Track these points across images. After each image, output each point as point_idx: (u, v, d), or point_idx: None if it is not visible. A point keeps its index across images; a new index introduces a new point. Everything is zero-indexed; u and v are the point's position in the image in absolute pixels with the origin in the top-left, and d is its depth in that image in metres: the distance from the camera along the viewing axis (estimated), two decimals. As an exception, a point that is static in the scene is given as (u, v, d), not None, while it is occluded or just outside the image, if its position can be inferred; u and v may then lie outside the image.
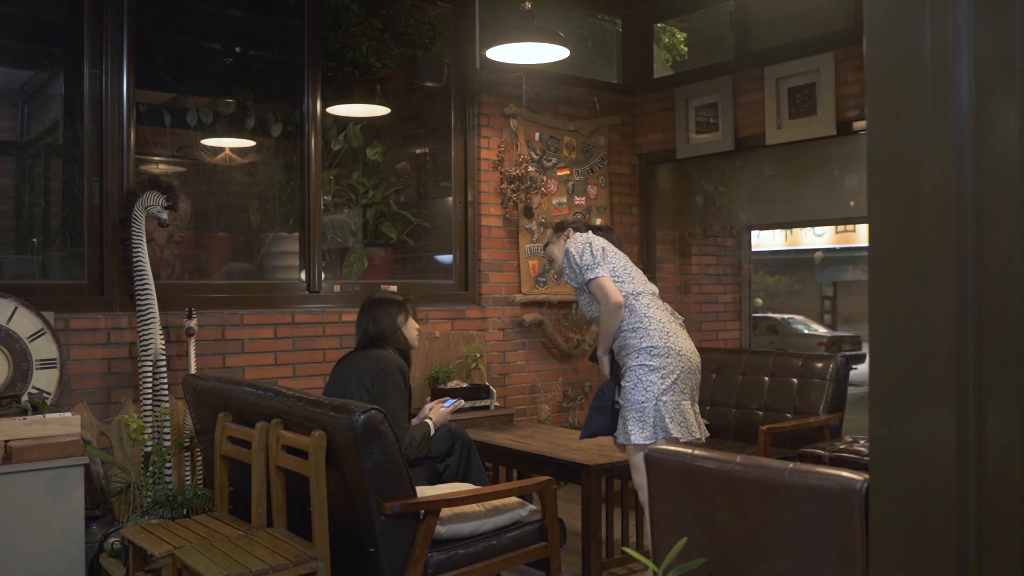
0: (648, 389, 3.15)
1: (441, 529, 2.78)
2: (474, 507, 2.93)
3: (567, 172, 5.56)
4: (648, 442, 3.07)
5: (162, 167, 4.65)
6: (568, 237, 3.53)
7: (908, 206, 1.15)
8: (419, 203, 5.61)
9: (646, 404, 3.13)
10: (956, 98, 1.09)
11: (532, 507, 3.10)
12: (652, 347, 3.19)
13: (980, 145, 1.08)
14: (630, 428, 3.15)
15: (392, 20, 5.57)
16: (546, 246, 3.69)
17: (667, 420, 3.13)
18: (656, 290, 3.44)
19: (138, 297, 3.78)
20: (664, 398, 3.15)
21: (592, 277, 3.26)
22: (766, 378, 4.84)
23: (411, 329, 3.54)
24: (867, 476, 1.64)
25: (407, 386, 3.32)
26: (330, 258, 5.09)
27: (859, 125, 4.69)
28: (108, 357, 3.87)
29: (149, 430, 3.69)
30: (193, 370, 3.94)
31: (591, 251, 3.32)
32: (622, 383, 3.24)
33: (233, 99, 4.79)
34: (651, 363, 3.17)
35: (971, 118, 1.09)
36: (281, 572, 2.55)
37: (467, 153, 5.21)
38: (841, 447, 4.05)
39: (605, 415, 3.34)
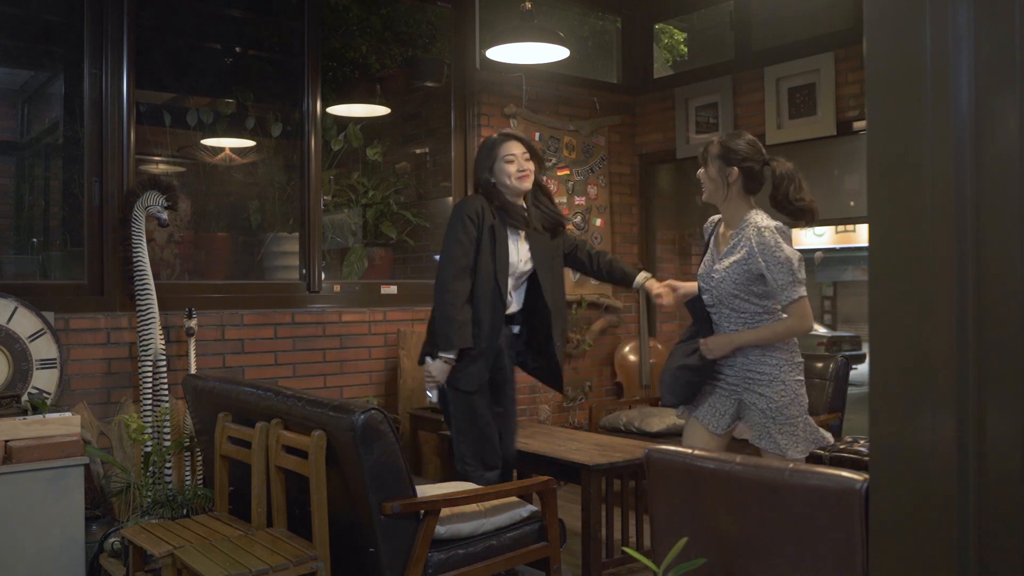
0: (802, 404, 2.96)
1: (441, 529, 2.78)
2: (474, 507, 2.93)
3: (567, 172, 5.56)
4: (803, 456, 2.97)
5: (162, 167, 4.66)
6: (736, 177, 2.93)
7: (908, 206, 1.15)
8: (419, 203, 5.61)
9: (798, 419, 2.94)
10: (956, 98, 1.09)
11: (532, 507, 3.10)
12: (801, 363, 3.02)
13: (980, 145, 1.08)
14: (783, 442, 2.96)
15: (392, 20, 5.57)
16: (706, 160, 3.00)
17: (819, 432, 3.03)
18: None
19: (138, 297, 3.78)
20: (807, 413, 3.04)
21: (801, 296, 2.85)
22: (766, 378, 4.83)
23: (506, 164, 3.39)
24: (867, 476, 1.64)
25: (468, 227, 3.30)
26: (330, 258, 5.09)
27: (859, 125, 4.69)
28: (108, 357, 3.87)
29: (149, 430, 3.69)
30: (193, 370, 3.94)
31: (799, 260, 2.90)
32: (769, 393, 2.92)
33: (233, 99, 4.80)
34: (800, 378, 3.00)
35: (971, 118, 1.09)
36: (281, 572, 2.55)
37: (467, 153, 5.21)
38: (841, 447, 4.05)
39: (695, 387, 3.06)
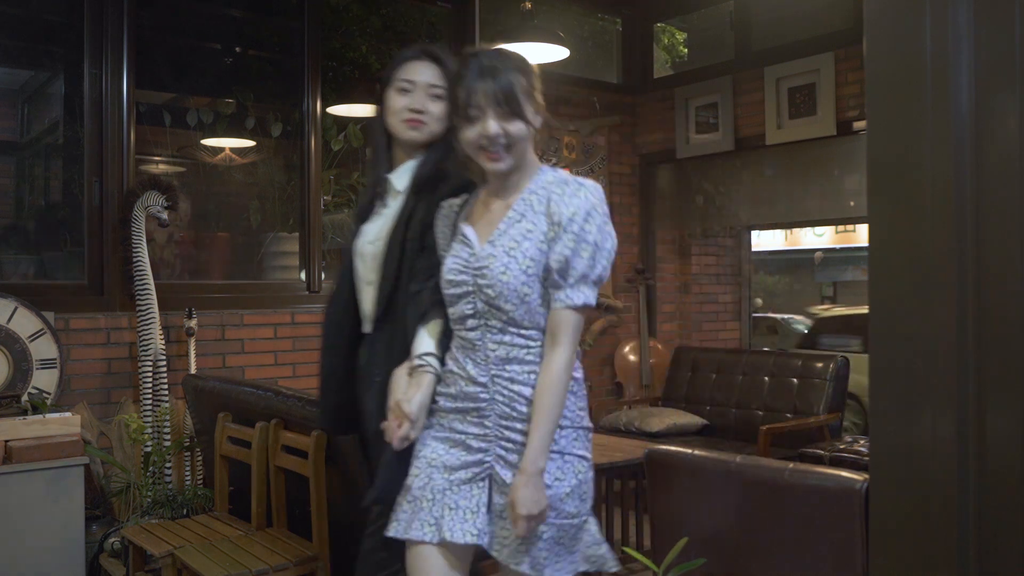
0: (586, 499, 1.78)
1: (441, 529, 2.78)
2: (474, 507, 2.93)
3: (567, 172, 5.55)
4: None
5: (162, 167, 4.65)
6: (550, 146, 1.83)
7: (908, 206, 1.15)
8: (419, 203, 5.60)
9: (576, 521, 1.76)
10: (956, 98, 1.09)
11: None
12: (589, 428, 1.86)
13: (980, 145, 1.08)
14: (541, 556, 1.72)
15: (392, 20, 5.57)
16: (521, 103, 1.77)
17: (603, 548, 1.81)
18: None
19: (138, 297, 3.78)
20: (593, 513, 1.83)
21: (589, 303, 1.75)
22: (766, 378, 4.84)
23: (395, 94, 2.08)
24: (867, 476, 1.64)
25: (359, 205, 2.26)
26: (330, 258, 5.09)
27: (859, 125, 4.69)
28: (108, 357, 3.87)
29: (149, 430, 3.69)
30: (193, 370, 3.94)
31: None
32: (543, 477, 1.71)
33: (233, 99, 4.79)
34: (589, 455, 1.82)
35: (971, 118, 1.09)
36: (281, 572, 2.55)
37: (467, 153, 5.20)
38: (841, 447, 4.05)
39: (401, 470, 1.90)
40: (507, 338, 1.76)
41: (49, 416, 3.20)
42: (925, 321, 1.13)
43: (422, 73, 2.06)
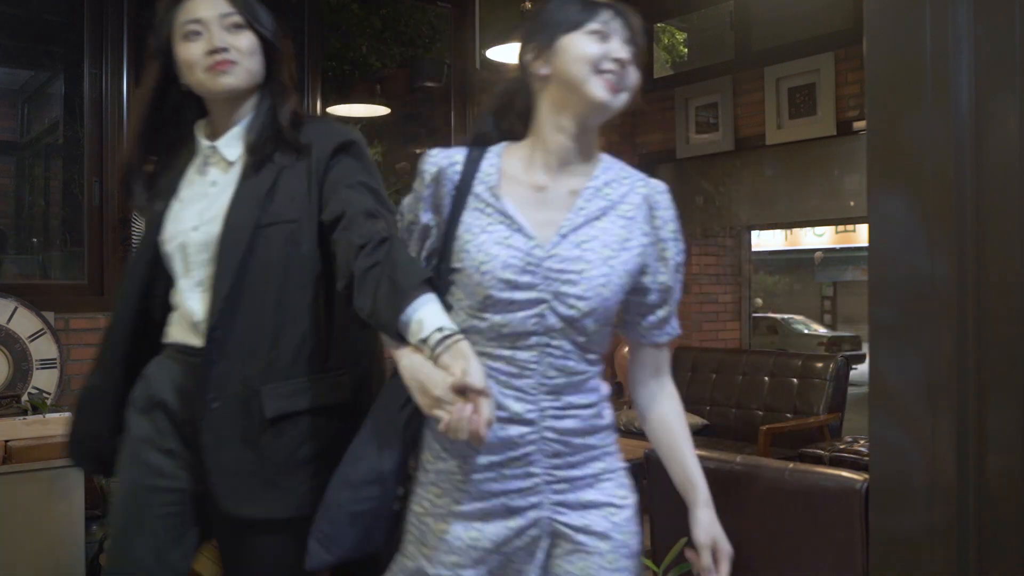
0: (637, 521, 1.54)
1: (441, 529, 2.77)
2: (474, 507, 2.92)
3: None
4: None
5: (162, 167, 4.66)
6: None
7: (908, 206, 1.15)
8: (419, 203, 5.60)
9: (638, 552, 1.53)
10: (956, 98, 1.09)
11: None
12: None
13: (980, 145, 1.08)
14: None
15: (392, 20, 5.58)
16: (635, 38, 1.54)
17: None
18: None
19: (138, 297, 3.78)
20: None
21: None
22: (766, 378, 4.85)
23: (183, 43, 1.60)
24: (867, 476, 1.65)
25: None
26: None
27: (859, 125, 4.69)
28: (108, 357, 3.87)
29: (149, 430, 3.68)
30: (193, 370, 3.94)
31: None
32: (614, 517, 1.51)
33: (233, 99, 4.80)
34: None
35: (971, 118, 1.09)
36: (281, 572, 2.55)
37: (467, 153, 5.20)
38: (841, 447, 4.06)
39: (371, 522, 1.61)
40: (571, 364, 1.37)
41: (49, 416, 3.21)
42: (925, 321, 1.14)
43: (208, 7, 1.59)
